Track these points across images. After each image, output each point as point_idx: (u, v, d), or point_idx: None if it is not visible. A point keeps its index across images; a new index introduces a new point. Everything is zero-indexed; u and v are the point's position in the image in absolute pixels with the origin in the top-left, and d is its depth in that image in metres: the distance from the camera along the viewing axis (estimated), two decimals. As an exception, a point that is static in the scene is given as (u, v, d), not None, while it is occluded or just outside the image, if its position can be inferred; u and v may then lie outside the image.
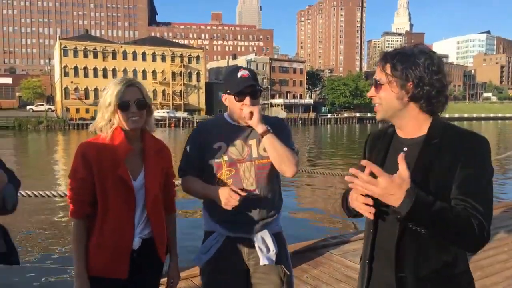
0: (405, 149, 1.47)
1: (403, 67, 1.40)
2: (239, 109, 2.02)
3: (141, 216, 1.98)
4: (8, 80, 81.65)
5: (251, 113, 1.97)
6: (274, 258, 2.04)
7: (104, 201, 1.90)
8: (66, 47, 72.96)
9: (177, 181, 2.26)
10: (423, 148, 1.42)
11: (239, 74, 2.02)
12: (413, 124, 1.47)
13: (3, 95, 79.32)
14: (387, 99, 1.46)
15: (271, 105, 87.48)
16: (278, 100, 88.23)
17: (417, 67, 1.39)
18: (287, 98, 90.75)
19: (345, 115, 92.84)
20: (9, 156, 25.64)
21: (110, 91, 1.93)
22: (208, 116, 76.39)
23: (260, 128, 1.98)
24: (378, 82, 1.47)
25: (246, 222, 2.04)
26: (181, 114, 72.65)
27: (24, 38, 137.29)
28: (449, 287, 1.41)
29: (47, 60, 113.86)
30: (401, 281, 1.40)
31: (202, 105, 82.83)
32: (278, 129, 2.07)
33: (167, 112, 70.31)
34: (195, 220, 9.74)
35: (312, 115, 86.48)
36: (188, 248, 8.10)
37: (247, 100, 2.00)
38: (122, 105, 1.91)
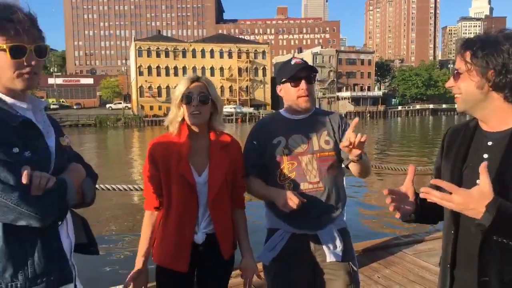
0: (489, 143, 1.36)
1: (484, 54, 1.30)
2: (296, 96, 2.02)
3: (205, 212, 2.01)
4: (90, 81, 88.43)
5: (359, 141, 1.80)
6: (341, 254, 2.02)
7: (168, 197, 1.99)
8: (140, 47, 77.23)
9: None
10: (511, 142, 1.31)
11: (292, 62, 2.05)
12: (497, 116, 1.35)
13: (85, 94, 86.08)
14: (466, 89, 1.36)
15: (338, 98, 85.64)
16: (345, 93, 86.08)
17: (500, 54, 1.28)
18: (354, 90, 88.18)
19: (417, 107, 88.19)
20: (91, 151, 27.78)
21: (178, 86, 2.02)
22: (274, 110, 76.77)
23: (356, 158, 1.87)
24: (457, 71, 1.38)
25: (311, 219, 2.02)
26: (247, 110, 73.73)
27: (103, 40, 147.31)
28: None
29: (123, 61, 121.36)
30: (485, 286, 1.30)
31: (268, 100, 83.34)
32: (343, 127, 2.08)
33: (234, 108, 71.77)
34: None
35: (381, 107, 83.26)
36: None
37: (303, 84, 2.00)
38: (186, 98, 1.95)
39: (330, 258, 2.00)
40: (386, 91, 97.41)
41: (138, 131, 53.86)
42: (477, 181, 1.21)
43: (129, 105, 79.20)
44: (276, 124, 2.12)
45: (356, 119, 1.91)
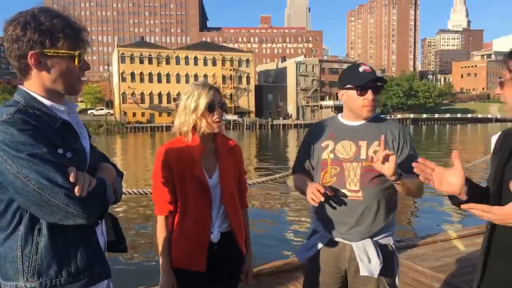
0: None
1: None
2: (361, 106, 1.99)
3: (219, 212, 2.07)
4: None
5: (386, 157, 1.82)
6: (376, 270, 1.96)
7: (183, 200, 2.03)
8: (123, 54, 76.58)
9: (250, 180, 2.32)
10: None
11: (361, 69, 1.99)
12: None
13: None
14: (510, 97, 1.41)
15: (321, 107, 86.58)
16: (328, 102, 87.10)
17: None
18: (337, 99, 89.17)
19: (399, 116, 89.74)
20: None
21: (195, 96, 2.01)
22: (258, 118, 77.03)
23: (392, 177, 1.86)
24: (502, 80, 1.43)
25: (348, 227, 2.00)
26: (231, 117, 73.80)
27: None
28: None
29: (106, 67, 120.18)
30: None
31: (252, 107, 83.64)
32: (405, 143, 2.02)
33: (218, 115, 71.73)
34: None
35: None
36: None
37: (370, 94, 1.96)
38: (210, 106, 1.99)
39: (363, 272, 1.96)
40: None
41: (121, 138, 53.21)
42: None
43: (111, 111, 78.27)
44: (329, 128, 2.12)
45: (383, 137, 1.89)
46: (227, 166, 2.10)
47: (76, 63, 1.36)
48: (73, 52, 1.34)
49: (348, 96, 2.03)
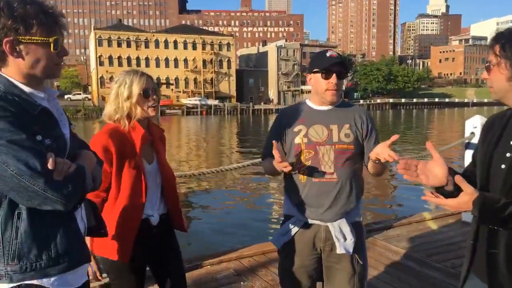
0: None
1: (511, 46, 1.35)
2: (325, 89, 2.06)
3: (156, 195, 2.15)
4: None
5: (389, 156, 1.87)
6: (351, 247, 2.07)
7: (117, 186, 2.03)
8: (100, 37, 74.84)
9: (231, 165, 2.33)
10: None
11: (328, 54, 2.06)
12: None
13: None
14: (496, 80, 1.45)
15: (302, 92, 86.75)
16: (309, 87, 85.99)
17: None
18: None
19: (378, 101, 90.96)
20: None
21: (127, 83, 2.04)
22: (239, 103, 76.76)
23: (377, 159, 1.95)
24: (488, 64, 1.46)
25: (323, 209, 2.06)
26: (212, 102, 73.36)
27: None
28: None
29: (82, 50, 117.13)
30: (492, 257, 1.43)
31: (233, 92, 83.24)
32: (372, 126, 2.13)
33: (199, 100, 71.15)
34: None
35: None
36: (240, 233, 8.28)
37: (334, 78, 2.03)
38: (145, 92, 2.05)
39: (340, 250, 2.05)
40: (348, 85, 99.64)
41: (99, 123, 52.31)
42: (502, 166, 1.41)
43: (89, 96, 76.69)
44: (299, 113, 2.16)
45: (396, 136, 1.94)
46: (162, 151, 2.20)
47: (52, 49, 1.36)
48: (47, 39, 1.34)
49: (315, 80, 2.10)
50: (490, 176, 1.49)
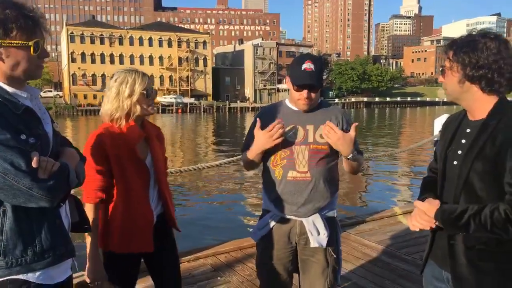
0: (468, 130, 1.58)
1: (462, 51, 1.50)
2: (296, 99, 2.13)
3: (153, 194, 2.16)
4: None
5: (333, 133, 2.03)
6: (324, 241, 2.15)
7: (124, 184, 2.05)
8: (72, 33, 72.96)
9: (207, 163, 2.37)
10: (480, 130, 1.51)
11: (303, 67, 2.06)
12: (477, 106, 1.55)
13: (11, 81, 79.71)
14: (449, 83, 1.58)
15: (278, 90, 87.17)
16: (285, 85, 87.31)
17: (475, 51, 1.47)
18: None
19: (353, 99, 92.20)
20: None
21: (129, 82, 2.05)
22: (215, 101, 76.45)
23: (349, 156, 2.08)
24: (443, 69, 1.60)
25: (298, 205, 2.14)
26: (188, 100, 72.69)
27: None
28: (497, 256, 1.50)
29: (54, 46, 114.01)
30: (453, 248, 1.57)
31: (209, 90, 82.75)
32: (348, 127, 2.17)
33: (174, 98, 70.38)
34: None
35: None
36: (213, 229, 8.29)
37: (305, 92, 2.07)
38: (147, 93, 2.09)
39: (313, 243, 2.14)
40: (323, 84, 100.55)
41: (71, 121, 51.13)
42: (454, 162, 1.58)
43: (60, 93, 74.73)
44: (278, 113, 2.21)
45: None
46: (157, 149, 2.20)
47: (32, 52, 1.39)
48: (27, 42, 1.36)
49: (289, 86, 2.17)
50: (446, 171, 1.64)
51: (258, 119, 2.15)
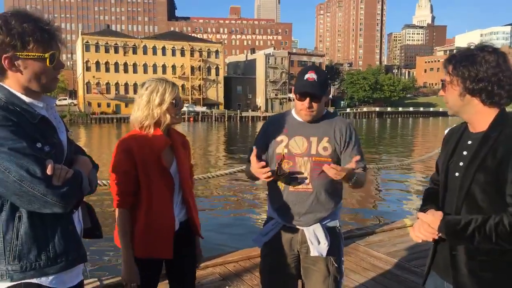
0: (469, 142, 1.61)
1: (462, 65, 1.53)
2: (299, 109, 2.16)
3: (177, 201, 2.21)
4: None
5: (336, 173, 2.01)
6: (324, 251, 2.17)
7: (149, 189, 2.10)
8: (88, 42, 74.23)
9: (218, 172, 2.42)
10: (481, 141, 1.54)
11: (306, 76, 2.10)
12: (478, 119, 1.58)
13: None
14: (450, 97, 1.61)
15: (290, 100, 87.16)
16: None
17: (474, 64, 1.51)
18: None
19: (365, 109, 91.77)
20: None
21: (159, 91, 2.12)
22: (226, 110, 76.80)
23: (346, 181, 2.08)
24: (443, 83, 1.63)
25: (299, 215, 2.18)
26: (200, 109, 73.18)
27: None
28: (499, 266, 1.51)
29: (69, 55, 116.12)
30: (455, 259, 1.59)
31: (221, 99, 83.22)
32: (350, 139, 2.20)
33: (186, 107, 70.87)
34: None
35: (330, 109, 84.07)
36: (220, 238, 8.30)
37: (307, 101, 2.10)
38: (176, 102, 2.16)
39: (313, 252, 2.16)
40: (335, 93, 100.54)
41: (84, 129, 51.82)
42: (456, 174, 1.60)
43: (75, 101, 75.83)
44: (284, 123, 2.25)
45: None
46: (183, 157, 2.24)
47: (48, 63, 1.44)
48: (43, 55, 1.42)
49: (294, 96, 2.20)
50: (448, 182, 1.66)
51: (254, 147, 2.17)
